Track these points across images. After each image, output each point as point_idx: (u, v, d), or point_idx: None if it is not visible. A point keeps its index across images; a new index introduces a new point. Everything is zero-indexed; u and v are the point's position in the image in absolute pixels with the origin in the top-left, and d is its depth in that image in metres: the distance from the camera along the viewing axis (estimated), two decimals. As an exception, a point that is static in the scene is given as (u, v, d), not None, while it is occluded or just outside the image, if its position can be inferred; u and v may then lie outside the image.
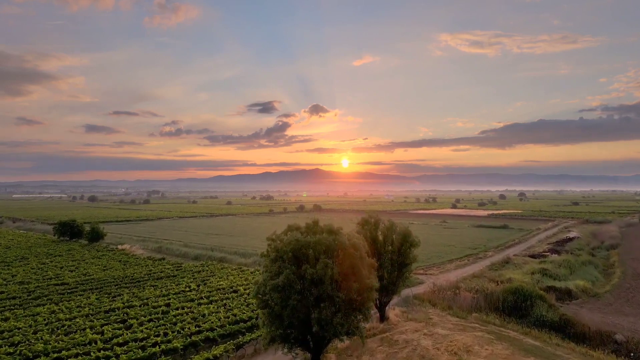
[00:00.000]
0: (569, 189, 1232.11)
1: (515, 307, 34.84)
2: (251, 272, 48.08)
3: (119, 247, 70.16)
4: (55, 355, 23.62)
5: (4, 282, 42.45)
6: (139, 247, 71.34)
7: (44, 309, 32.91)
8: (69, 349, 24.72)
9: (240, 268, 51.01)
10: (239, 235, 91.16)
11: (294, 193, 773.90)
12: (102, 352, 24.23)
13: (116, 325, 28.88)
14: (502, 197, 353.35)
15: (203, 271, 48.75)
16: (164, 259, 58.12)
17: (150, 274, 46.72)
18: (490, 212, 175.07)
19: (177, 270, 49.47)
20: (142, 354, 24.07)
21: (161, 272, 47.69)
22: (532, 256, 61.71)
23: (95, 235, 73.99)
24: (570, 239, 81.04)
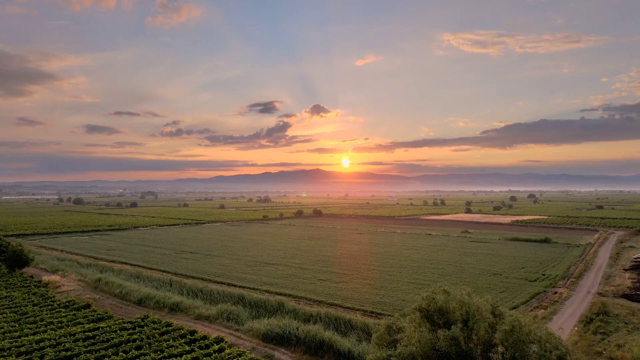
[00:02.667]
0: (569, 189, 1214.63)
1: None
2: (206, 347, 28.84)
3: (46, 278, 51.14)
4: None
5: None
6: (74, 277, 52.45)
7: None
8: None
9: (193, 333, 31.64)
10: (217, 254, 72.03)
11: (294, 194, 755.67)
12: None
13: None
14: (513, 199, 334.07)
15: (129, 342, 29.59)
16: (88, 306, 38.99)
17: (29, 353, 27.55)
18: (512, 217, 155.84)
19: (86, 338, 30.32)
20: None
21: (53, 346, 28.53)
22: (630, 297, 42.66)
23: (18, 261, 54.85)
24: (650, 262, 61.89)
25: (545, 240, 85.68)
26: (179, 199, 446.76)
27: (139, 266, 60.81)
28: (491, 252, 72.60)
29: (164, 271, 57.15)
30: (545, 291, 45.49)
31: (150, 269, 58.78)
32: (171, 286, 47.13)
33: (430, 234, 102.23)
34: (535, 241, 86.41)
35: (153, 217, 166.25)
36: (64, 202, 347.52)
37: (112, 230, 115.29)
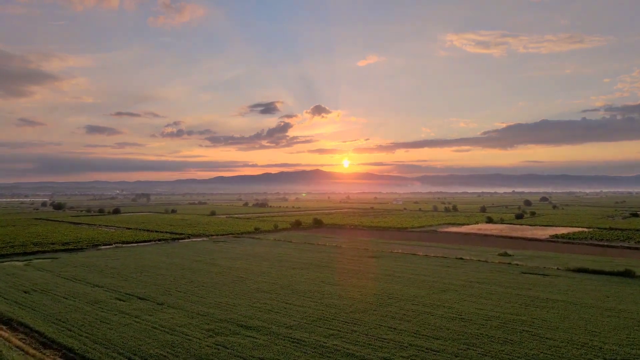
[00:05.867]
0: (570, 190, 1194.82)
1: None
2: None
3: None
4: None
5: None
6: None
7: None
8: None
9: None
10: (175, 301, 49.91)
11: (294, 195, 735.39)
12: None
13: None
14: (527, 203, 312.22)
15: None
16: None
17: None
18: (545, 229, 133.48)
19: None
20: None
21: None
22: None
23: None
24: None
25: (627, 274, 63.49)
26: (172, 202, 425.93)
27: (37, 334, 38.79)
28: (570, 300, 50.31)
29: (68, 350, 35.08)
30: None
31: (49, 343, 36.69)
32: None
33: (462, 259, 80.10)
34: (612, 274, 64.24)
35: (129, 227, 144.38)
36: (46, 206, 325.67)
37: (65, 250, 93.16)
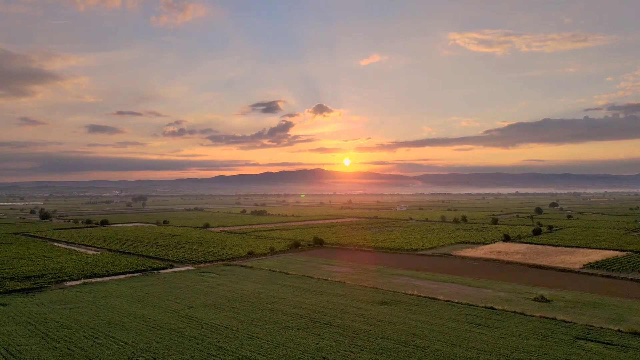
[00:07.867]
0: (571, 189, 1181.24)
1: None
2: None
3: None
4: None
5: None
6: None
7: None
8: None
9: None
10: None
11: (294, 197, 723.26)
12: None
13: None
14: (538, 210, 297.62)
15: None
16: None
17: None
18: (572, 253, 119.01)
19: None
20: None
21: None
22: None
23: None
24: None
25: None
26: (167, 208, 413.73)
27: None
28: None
29: None
30: None
31: None
32: None
33: (493, 308, 66.01)
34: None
35: (110, 249, 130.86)
36: (35, 213, 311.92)
37: (22, 290, 79.13)
